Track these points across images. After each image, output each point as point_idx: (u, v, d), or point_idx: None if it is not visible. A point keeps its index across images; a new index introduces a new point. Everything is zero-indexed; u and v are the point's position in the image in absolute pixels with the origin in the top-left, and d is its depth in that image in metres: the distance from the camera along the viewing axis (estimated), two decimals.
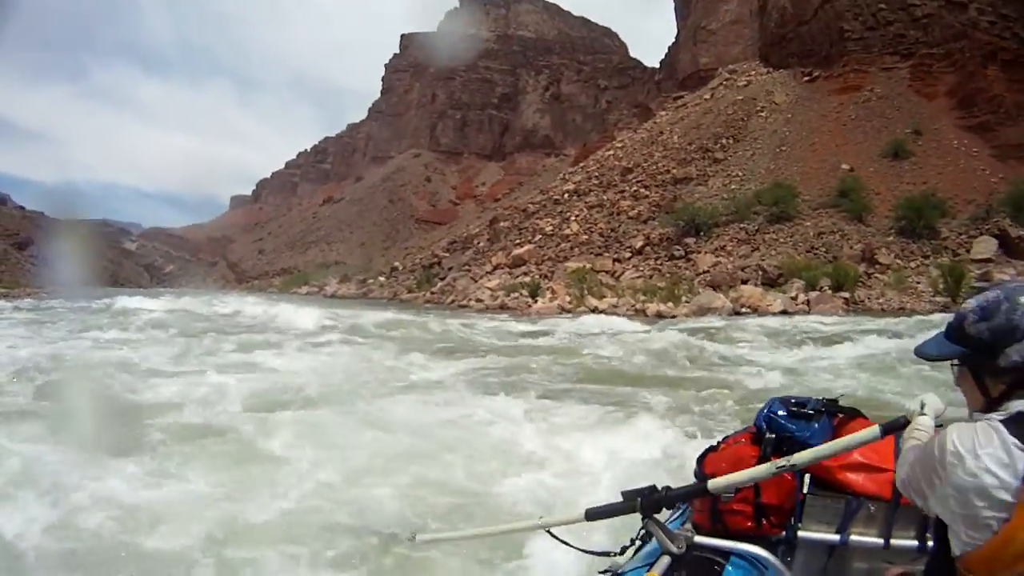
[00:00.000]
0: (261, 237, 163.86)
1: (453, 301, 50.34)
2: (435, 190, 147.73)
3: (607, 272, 47.56)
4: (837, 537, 2.48)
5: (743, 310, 33.23)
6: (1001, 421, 1.56)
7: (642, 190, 61.51)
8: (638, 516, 2.31)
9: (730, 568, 2.23)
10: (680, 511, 2.81)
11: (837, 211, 48.71)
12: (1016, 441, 1.49)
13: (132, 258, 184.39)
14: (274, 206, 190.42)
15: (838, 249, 43.88)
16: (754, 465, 2.41)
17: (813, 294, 35.02)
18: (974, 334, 1.68)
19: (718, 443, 2.82)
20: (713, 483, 2.23)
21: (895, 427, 2.02)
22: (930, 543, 2.03)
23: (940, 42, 63.10)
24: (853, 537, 2.46)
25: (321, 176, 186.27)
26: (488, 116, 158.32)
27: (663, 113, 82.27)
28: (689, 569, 2.20)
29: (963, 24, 61.71)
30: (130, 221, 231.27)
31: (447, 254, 73.47)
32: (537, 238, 59.40)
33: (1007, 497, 1.45)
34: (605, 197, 62.87)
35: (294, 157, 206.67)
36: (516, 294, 44.76)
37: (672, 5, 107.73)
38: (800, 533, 2.51)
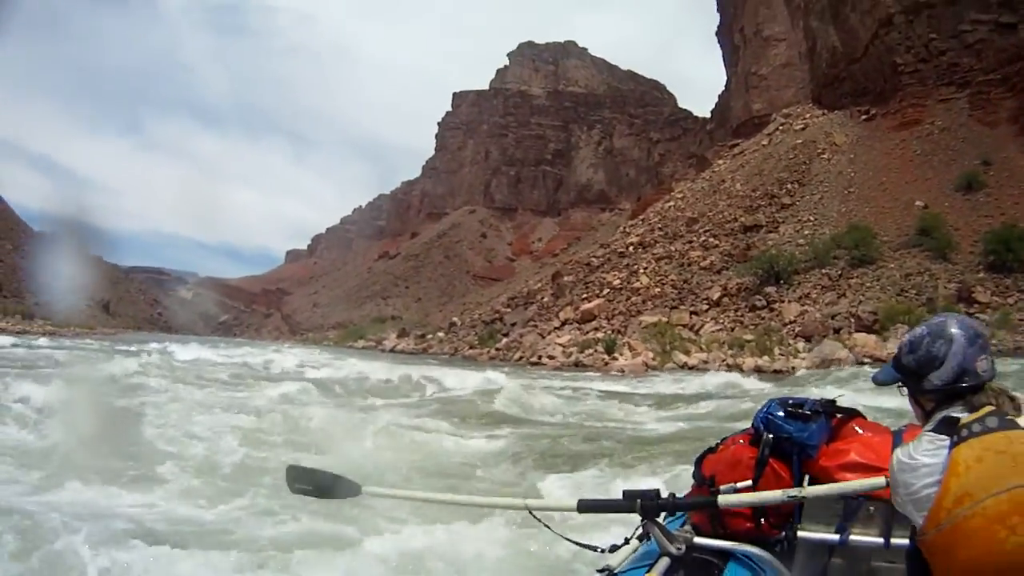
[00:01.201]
0: (316, 291, 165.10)
1: (521, 358, 48.72)
2: (491, 246, 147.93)
3: (685, 326, 45.59)
4: (836, 537, 2.43)
5: (864, 360, 31.00)
6: (930, 430, 1.90)
7: (711, 239, 59.88)
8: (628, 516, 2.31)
9: (729, 569, 2.21)
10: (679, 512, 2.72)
11: (920, 251, 46.60)
12: (939, 437, 1.84)
13: (187, 306, 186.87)
14: (329, 260, 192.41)
15: (931, 290, 41.58)
16: (752, 465, 2.50)
17: None
18: (906, 364, 2.04)
19: (716, 445, 2.78)
20: (723, 499, 2.27)
21: None
22: None
23: (995, 67, 60.81)
24: (852, 537, 2.40)
25: (376, 232, 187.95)
26: (542, 172, 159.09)
27: (720, 162, 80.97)
28: (688, 570, 2.19)
29: (1016, 46, 59.39)
30: (187, 270, 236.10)
31: (508, 310, 72.14)
32: (605, 292, 57.80)
33: (938, 475, 1.77)
34: (673, 248, 61.26)
35: (349, 213, 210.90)
36: (591, 350, 43.01)
37: (720, 54, 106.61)
38: (799, 533, 2.47)
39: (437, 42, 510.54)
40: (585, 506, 2.47)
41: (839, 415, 2.76)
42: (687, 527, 2.52)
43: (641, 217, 79.45)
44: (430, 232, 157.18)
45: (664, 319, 47.02)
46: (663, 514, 2.44)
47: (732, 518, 2.47)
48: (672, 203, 75.64)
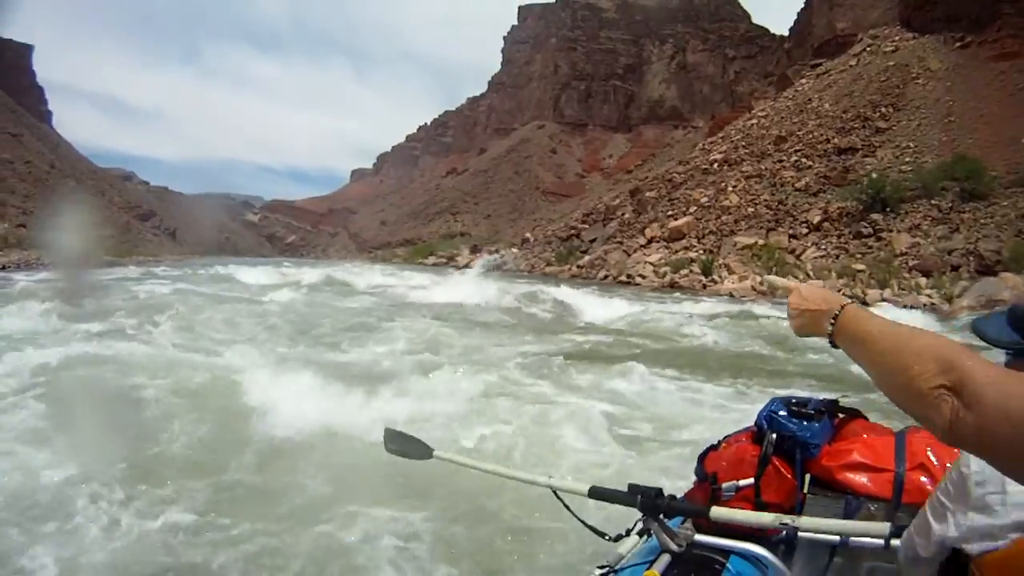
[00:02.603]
0: (383, 208, 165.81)
1: (607, 276, 47.43)
2: (561, 162, 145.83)
3: (784, 250, 43.50)
4: (838, 537, 2.31)
5: None
6: None
7: (804, 160, 57.59)
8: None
9: (730, 567, 2.18)
10: None
11: None
12: None
13: (254, 229, 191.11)
14: (395, 178, 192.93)
15: None
16: (755, 463, 2.53)
17: None
18: None
19: (719, 442, 2.79)
20: (715, 512, 2.27)
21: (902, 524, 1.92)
22: None
23: None
24: (853, 537, 2.28)
25: (442, 149, 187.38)
26: (612, 87, 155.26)
27: (804, 81, 78.14)
28: (689, 567, 2.17)
29: None
30: (252, 194, 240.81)
31: (585, 226, 70.81)
32: (692, 210, 56.05)
33: None
34: (762, 167, 59.02)
35: (414, 131, 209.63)
36: (685, 271, 41.45)
37: None
38: (801, 533, 2.31)
39: None
40: (594, 492, 2.49)
41: (842, 415, 2.73)
42: (688, 524, 2.43)
43: (720, 135, 77.29)
44: (498, 148, 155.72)
45: (761, 241, 45.08)
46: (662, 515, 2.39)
47: None
48: (755, 121, 73.23)
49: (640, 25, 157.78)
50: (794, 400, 2.71)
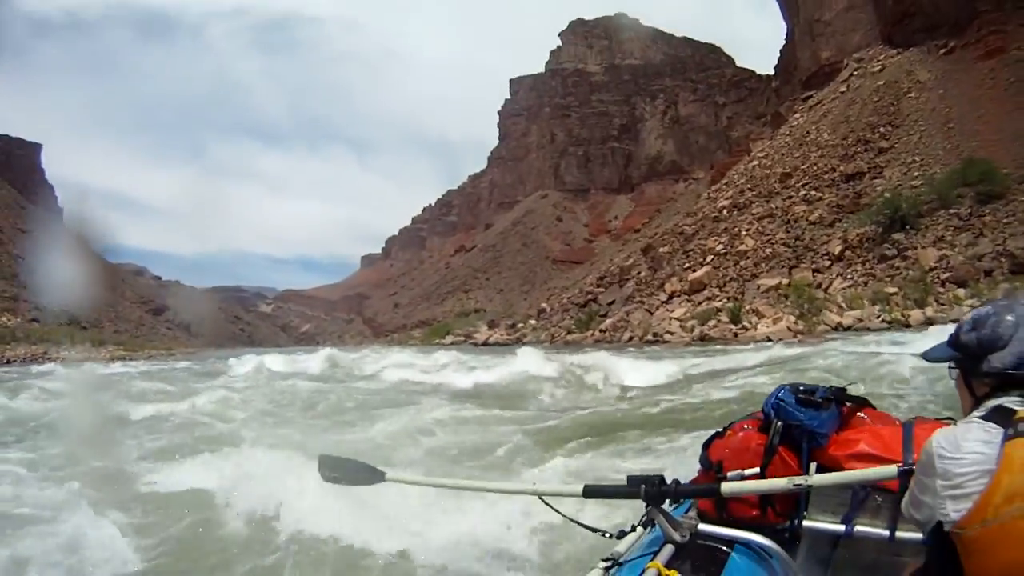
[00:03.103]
0: (395, 291, 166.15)
1: (632, 337, 46.18)
2: (567, 229, 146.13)
3: (810, 286, 42.30)
4: (843, 528, 2.41)
5: None
6: (980, 417, 1.74)
7: (813, 192, 57.09)
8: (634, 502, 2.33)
9: (735, 557, 2.18)
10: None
11: None
12: (992, 425, 1.68)
13: (268, 320, 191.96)
14: (404, 261, 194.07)
15: None
16: (761, 452, 2.49)
17: None
18: (965, 342, 1.90)
19: (724, 429, 2.76)
20: (726, 487, 2.27)
21: (912, 471, 1.96)
22: None
23: None
24: (859, 528, 2.38)
25: (448, 228, 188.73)
26: (610, 149, 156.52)
27: (797, 115, 77.98)
28: (693, 558, 2.16)
29: None
30: (264, 285, 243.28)
31: (601, 290, 70.07)
32: (709, 259, 55.18)
33: (989, 466, 1.62)
34: (772, 206, 58.40)
35: (419, 212, 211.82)
36: (713, 321, 40.15)
37: (776, 7, 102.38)
38: (805, 523, 2.46)
39: (487, 32, 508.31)
40: (591, 491, 2.49)
41: (849, 404, 2.68)
42: (692, 514, 2.43)
43: (724, 181, 77.15)
44: (504, 222, 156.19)
45: (785, 280, 43.89)
46: (668, 500, 2.40)
47: (738, 505, 2.44)
48: (756, 163, 72.96)
49: (629, 84, 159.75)
50: (802, 387, 2.63)
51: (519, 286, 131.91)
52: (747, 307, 40.70)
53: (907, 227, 43.30)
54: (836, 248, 45.83)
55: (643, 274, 63.80)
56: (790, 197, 58.49)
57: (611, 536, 2.47)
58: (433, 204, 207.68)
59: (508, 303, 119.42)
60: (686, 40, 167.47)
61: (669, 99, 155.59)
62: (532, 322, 76.52)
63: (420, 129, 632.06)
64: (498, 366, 21.89)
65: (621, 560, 2.24)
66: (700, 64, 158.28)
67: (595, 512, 3.11)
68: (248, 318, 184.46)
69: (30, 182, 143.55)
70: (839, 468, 2.40)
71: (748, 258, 51.64)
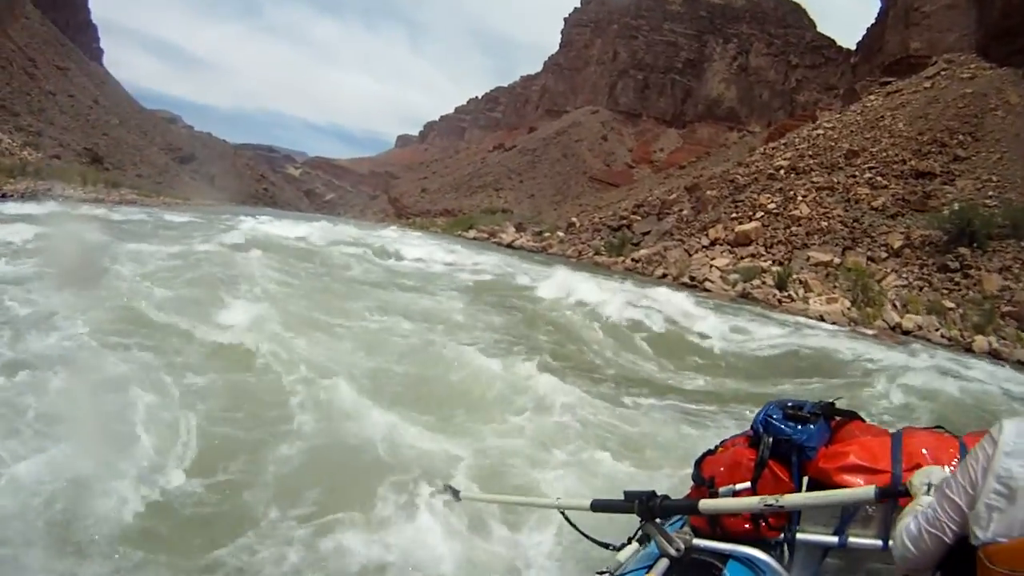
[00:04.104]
0: (426, 176, 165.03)
1: (666, 275, 45.41)
2: (611, 150, 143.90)
3: (870, 274, 40.75)
4: (835, 539, 2.40)
5: None
6: None
7: (879, 178, 55.15)
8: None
9: (728, 571, 2.24)
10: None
11: None
12: None
13: (294, 183, 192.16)
14: (440, 148, 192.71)
15: None
16: (752, 467, 2.53)
17: None
18: None
19: (716, 446, 2.85)
20: (704, 504, 2.35)
21: (891, 493, 2.07)
22: None
23: None
24: (851, 539, 2.37)
25: (491, 124, 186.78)
26: (671, 80, 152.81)
27: (872, 97, 75.91)
28: (687, 572, 2.23)
29: None
30: (296, 149, 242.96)
31: (637, 218, 68.81)
32: (759, 215, 53.92)
33: None
34: (834, 180, 56.67)
35: (464, 103, 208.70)
36: (758, 281, 39.19)
37: None
38: (798, 535, 2.46)
39: None
40: (597, 506, 2.61)
41: (838, 417, 2.74)
42: (686, 528, 2.51)
43: (782, 141, 75.11)
44: (548, 128, 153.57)
45: (836, 259, 42.76)
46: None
47: (731, 520, 2.48)
48: (821, 132, 70.93)
49: (705, 21, 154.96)
50: (790, 403, 2.67)
51: (551, 195, 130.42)
52: (794, 276, 39.65)
53: (974, 245, 41.44)
54: (896, 242, 44.38)
55: (685, 212, 62.56)
56: (854, 176, 56.78)
57: (615, 548, 2.55)
58: (480, 97, 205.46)
59: (536, 209, 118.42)
60: None
61: (742, 46, 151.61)
62: (560, 234, 75.77)
63: (481, 22, 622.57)
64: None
65: (617, 573, 2.32)
66: (781, 20, 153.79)
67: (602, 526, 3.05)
68: (274, 178, 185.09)
69: (74, 20, 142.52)
70: (829, 480, 2.41)
71: (800, 225, 50.32)
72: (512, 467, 6.06)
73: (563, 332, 13.89)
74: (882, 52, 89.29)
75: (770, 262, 44.69)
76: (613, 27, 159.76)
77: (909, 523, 1.73)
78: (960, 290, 37.70)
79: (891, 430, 2.57)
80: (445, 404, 7.51)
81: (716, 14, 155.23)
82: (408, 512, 4.86)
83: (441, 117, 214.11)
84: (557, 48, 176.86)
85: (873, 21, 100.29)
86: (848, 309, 32.35)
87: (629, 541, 2.55)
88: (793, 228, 50.04)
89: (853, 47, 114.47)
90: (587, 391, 8.80)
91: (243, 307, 10.20)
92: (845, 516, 2.40)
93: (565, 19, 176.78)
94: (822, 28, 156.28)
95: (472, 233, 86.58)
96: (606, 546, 2.66)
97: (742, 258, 46.37)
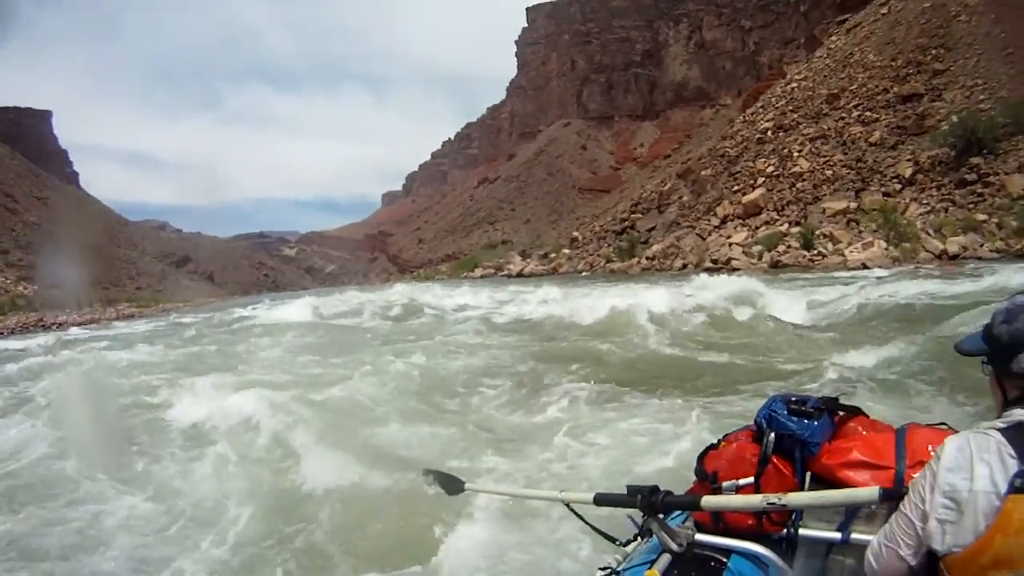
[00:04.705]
0: (418, 227, 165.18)
1: (686, 264, 44.45)
2: (592, 157, 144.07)
3: (894, 209, 39.86)
4: (839, 535, 2.35)
5: None
6: (1000, 430, 1.60)
7: (867, 114, 54.71)
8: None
9: (731, 566, 2.20)
10: None
11: None
12: (1011, 450, 1.54)
13: (293, 263, 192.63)
14: (426, 196, 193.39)
15: None
16: (755, 462, 2.48)
17: None
18: (996, 335, 1.73)
19: (719, 441, 2.79)
20: (706, 501, 2.29)
21: (894, 495, 1.99)
22: None
23: None
24: (855, 535, 2.31)
25: (469, 161, 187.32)
26: (633, 75, 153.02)
27: (833, 39, 75.56)
28: (690, 567, 2.19)
29: None
30: (287, 230, 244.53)
31: (637, 216, 68.25)
32: (760, 181, 53.31)
33: (996, 503, 1.49)
34: (824, 127, 56.13)
35: (439, 147, 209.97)
36: (783, 247, 38.17)
37: None
38: (801, 531, 2.41)
39: None
40: (600, 499, 2.53)
41: (842, 413, 2.67)
42: (689, 523, 2.46)
43: (759, 105, 74.62)
44: (527, 151, 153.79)
45: (852, 204, 41.76)
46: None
47: (734, 515, 2.43)
48: (795, 85, 70.33)
49: (651, 9, 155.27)
50: (793, 398, 2.63)
51: (546, 216, 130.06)
52: (817, 232, 38.66)
53: (984, 151, 40.75)
54: (906, 171, 43.58)
55: (685, 198, 61.97)
56: (842, 118, 56.31)
57: (620, 543, 2.50)
58: (452, 138, 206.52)
59: (535, 233, 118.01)
60: None
61: (693, 24, 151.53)
62: (566, 251, 75.28)
63: (434, 64, 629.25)
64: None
65: (620, 568, 2.29)
66: None
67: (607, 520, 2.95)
68: (272, 263, 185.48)
69: (43, 150, 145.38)
70: (832, 477, 2.39)
71: (805, 180, 49.65)
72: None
73: (650, 353, 12.49)
74: None
75: (787, 224, 43.80)
76: (564, 38, 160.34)
77: (873, 538, 1.81)
78: (985, 200, 37.00)
79: (895, 426, 2.51)
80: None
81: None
82: (411, 502, 4.94)
83: (420, 166, 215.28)
84: (516, 71, 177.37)
85: None
86: (886, 250, 31.27)
87: (635, 537, 2.47)
88: (799, 185, 49.29)
89: None
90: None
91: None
92: (849, 512, 2.34)
93: (516, 41, 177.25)
94: None
95: (479, 272, 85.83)
96: (613, 540, 2.57)
97: (757, 228, 45.49)
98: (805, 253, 35.74)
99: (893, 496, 1.99)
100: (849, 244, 34.45)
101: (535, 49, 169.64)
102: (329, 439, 6.93)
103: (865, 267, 29.03)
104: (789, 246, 38.12)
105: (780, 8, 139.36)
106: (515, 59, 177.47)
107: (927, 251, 30.18)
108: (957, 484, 1.53)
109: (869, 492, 2.06)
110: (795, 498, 2.15)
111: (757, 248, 40.14)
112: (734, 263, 39.30)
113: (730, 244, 43.69)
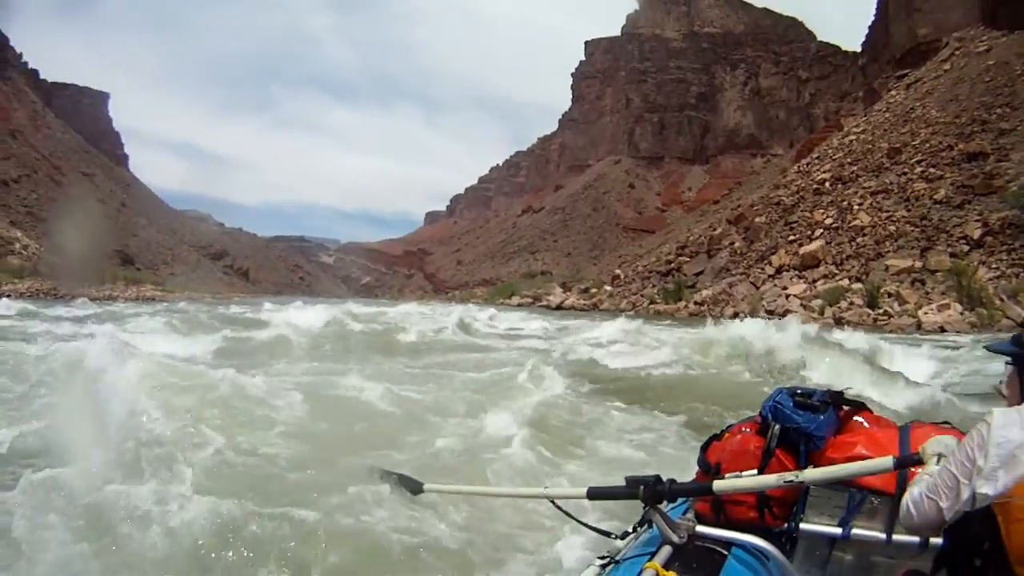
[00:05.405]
0: (459, 248, 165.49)
1: (737, 313, 42.89)
2: (639, 196, 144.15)
3: (973, 272, 38.14)
4: (839, 530, 2.41)
5: None
6: None
7: (931, 170, 53.72)
8: (639, 503, 2.34)
9: (732, 559, 2.19)
10: (682, 500, 2.71)
11: None
12: None
13: (329, 271, 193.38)
14: (469, 219, 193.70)
15: None
16: (759, 455, 2.48)
17: None
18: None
19: (722, 431, 2.79)
20: (718, 485, 2.31)
21: (908, 462, 2.10)
22: (933, 539, 2.07)
23: None
24: (855, 530, 2.38)
25: (515, 189, 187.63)
26: (687, 118, 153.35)
27: (893, 93, 75.42)
28: (691, 559, 2.16)
29: None
30: (328, 237, 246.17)
31: (684, 259, 66.86)
32: (819, 233, 52.15)
33: None
34: (886, 181, 55.13)
35: (486, 172, 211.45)
36: (844, 303, 36.65)
37: None
38: (802, 525, 2.45)
39: None
40: (594, 493, 2.59)
41: (846, 407, 2.68)
42: (690, 515, 2.45)
43: (814, 155, 73.84)
44: (574, 184, 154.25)
45: (918, 263, 40.27)
46: (666, 501, 2.40)
47: (735, 507, 2.45)
48: (852, 138, 70.09)
49: (708, 53, 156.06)
50: (799, 391, 2.63)
51: (587, 251, 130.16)
52: (883, 289, 37.15)
53: None
54: (975, 232, 42.29)
55: (737, 245, 60.79)
56: (904, 173, 55.34)
57: (616, 537, 2.48)
58: (501, 164, 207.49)
59: (575, 267, 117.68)
60: (766, 11, 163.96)
61: (750, 70, 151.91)
62: (608, 288, 73.90)
63: (490, 90, 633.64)
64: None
65: (618, 558, 2.25)
66: (782, 36, 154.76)
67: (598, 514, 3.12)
68: (309, 267, 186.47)
69: (97, 130, 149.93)
70: None
71: (866, 235, 48.51)
72: None
73: None
74: (890, 46, 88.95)
75: (847, 280, 42.29)
76: (621, 74, 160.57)
77: (914, 489, 1.91)
78: None
79: (898, 422, 2.56)
80: None
81: (718, 43, 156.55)
82: (395, 504, 4.61)
83: (466, 189, 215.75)
84: (569, 104, 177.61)
85: (873, 18, 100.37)
86: (962, 314, 29.77)
87: (633, 530, 2.42)
88: (859, 239, 48.12)
89: (858, 48, 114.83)
90: None
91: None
92: (851, 507, 2.36)
93: (572, 74, 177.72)
94: (823, 37, 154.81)
95: (516, 300, 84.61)
96: (607, 534, 2.54)
97: (814, 281, 44.09)
98: (869, 312, 34.28)
99: (905, 464, 2.07)
100: (918, 305, 32.91)
101: (590, 83, 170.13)
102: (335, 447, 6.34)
103: (942, 330, 27.58)
104: (852, 302, 36.73)
105: (838, 60, 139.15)
106: (570, 91, 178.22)
107: (1008, 318, 28.67)
108: (1011, 436, 1.70)
109: (883, 462, 2.09)
110: (811, 474, 2.20)
111: (817, 302, 38.68)
112: (794, 314, 37.89)
113: (787, 295, 42.34)
